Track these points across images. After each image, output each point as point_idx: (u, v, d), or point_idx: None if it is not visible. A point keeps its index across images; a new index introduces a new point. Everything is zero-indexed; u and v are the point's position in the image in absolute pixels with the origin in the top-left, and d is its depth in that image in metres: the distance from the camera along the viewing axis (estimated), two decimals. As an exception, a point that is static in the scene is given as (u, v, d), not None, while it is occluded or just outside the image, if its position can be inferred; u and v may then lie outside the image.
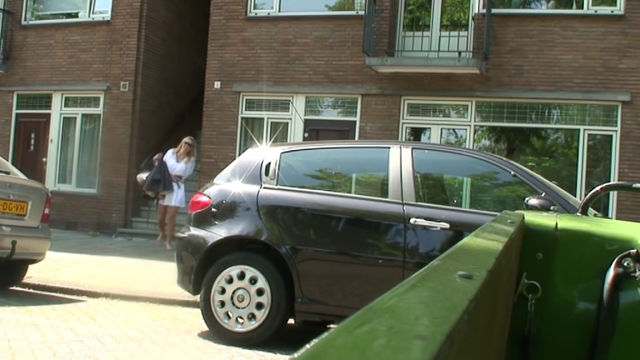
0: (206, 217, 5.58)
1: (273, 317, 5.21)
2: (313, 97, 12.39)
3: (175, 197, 11.00)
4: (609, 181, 9.75)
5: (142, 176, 11.29)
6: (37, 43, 14.53)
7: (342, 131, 12.02)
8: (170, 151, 11.22)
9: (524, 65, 11.17)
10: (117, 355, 4.56)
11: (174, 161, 11.09)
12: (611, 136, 10.87)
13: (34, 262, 7.17)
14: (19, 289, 7.26)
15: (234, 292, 5.30)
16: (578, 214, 2.66)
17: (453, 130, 11.94)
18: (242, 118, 12.70)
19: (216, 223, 5.52)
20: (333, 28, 12.20)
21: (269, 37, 12.55)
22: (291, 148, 6.26)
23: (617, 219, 8.47)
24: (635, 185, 3.47)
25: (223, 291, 5.33)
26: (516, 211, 2.05)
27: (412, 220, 5.06)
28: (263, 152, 5.90)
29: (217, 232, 5.48)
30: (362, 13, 11.70)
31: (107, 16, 14.03)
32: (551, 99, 11.16)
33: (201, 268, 5.46)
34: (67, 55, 14.18)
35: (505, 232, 1.26)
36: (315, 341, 0.43)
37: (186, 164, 11.16)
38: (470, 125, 11.59)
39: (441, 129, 11.81)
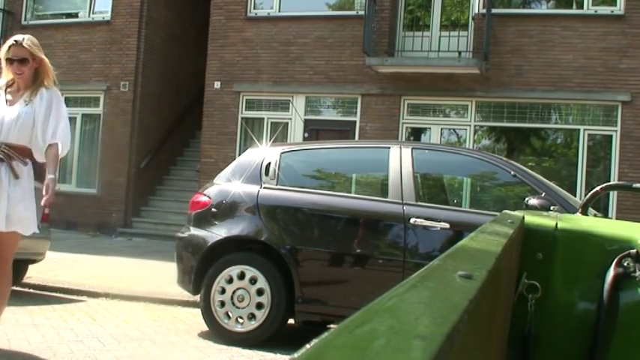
0: (206, 217, 5.58)
1: (273, 317, 5.21)
2: (313, 97, 12.38)
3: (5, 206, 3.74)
4: (609, 181, 9.74)
5: None
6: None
7: (342, 131, 12.02)
8: None
9: (524, 65, 11.17)
10: (117, 355, 4.55)
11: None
12: (611, 136, 10.87)
13: (34, 262, 7.17)
14: (19, 289, 7.25)
15: (234, 292, 5.30)
16: (578, 214, 2.66)
17: (453, 130, 11.94)
18: (242, 118, 12.69)
19: (216, 223, 5.53)
20: (333, 28, 12.19)
21: (269, 37, 12.55)
22: (291, 148, 6.26)
23: (617, 219, 8.47)
24: (635, 185, 3.47)
25: (223, 291, 5.33)
26: (516, 211, 2.05)
27: (412, 220, 5.06)
28: (263, 152, 5.90)
29: (217, 232, 5.48)
30: (362, 13, 11.69)
31: (107, 16, 14.03)
32: (551, 99, 11.15)
33: (201, 268, 5.46)
34: (67, 55, 14.16)
35: (505, 232, 1.26)
36: (315, 341, 0.43)
37: (28, 106, 3.94)
38: (470, 125, 11.59)
39: (441, 129, 11.80)
